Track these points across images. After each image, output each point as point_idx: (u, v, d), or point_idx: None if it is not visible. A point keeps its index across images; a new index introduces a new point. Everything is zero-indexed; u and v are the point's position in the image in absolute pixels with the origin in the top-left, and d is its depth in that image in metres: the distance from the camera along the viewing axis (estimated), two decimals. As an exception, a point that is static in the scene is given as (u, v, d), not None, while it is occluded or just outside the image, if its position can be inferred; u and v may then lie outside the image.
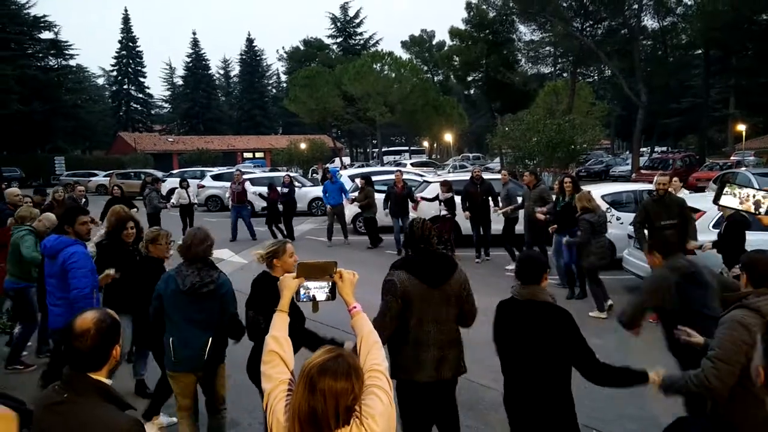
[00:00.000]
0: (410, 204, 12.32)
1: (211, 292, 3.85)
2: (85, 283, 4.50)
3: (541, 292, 3.17)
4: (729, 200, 1.77)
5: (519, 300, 3.19)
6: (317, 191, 18.33)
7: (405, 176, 13.61)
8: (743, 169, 20.98)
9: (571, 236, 8.14)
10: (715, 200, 1.96)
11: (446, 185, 11.60)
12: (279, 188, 14.47)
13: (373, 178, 14.44)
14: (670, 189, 7.54)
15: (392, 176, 13.77)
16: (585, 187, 8.97)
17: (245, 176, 20.49)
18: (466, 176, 12.49)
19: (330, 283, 2.34)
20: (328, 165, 31.40)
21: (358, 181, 15.04)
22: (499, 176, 11.92)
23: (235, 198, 14.59)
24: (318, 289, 2.34)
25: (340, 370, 1.78)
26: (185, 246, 3.97)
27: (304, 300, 2.36)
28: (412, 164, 36.35)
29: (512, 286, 3.32)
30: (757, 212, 1.84)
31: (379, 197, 13.09)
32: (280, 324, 2.30)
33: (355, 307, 2.31)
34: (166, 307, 3.97)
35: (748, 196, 1.83)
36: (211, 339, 3.91)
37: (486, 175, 12.12)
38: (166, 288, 3.94)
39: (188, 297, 3.84)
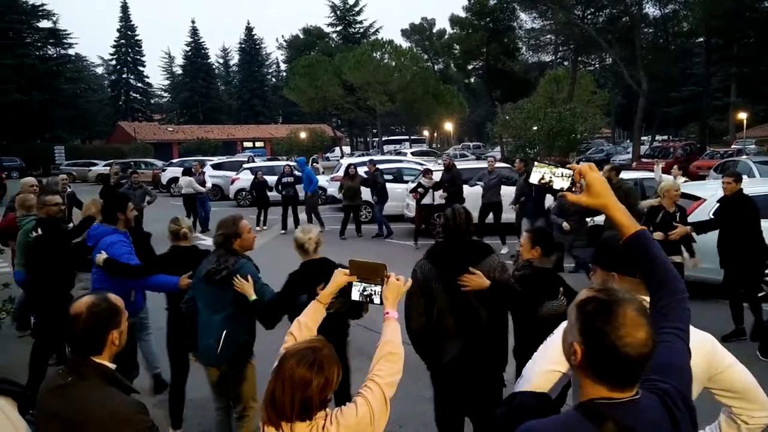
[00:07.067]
0: (412, 193, 12.43)
1: (224, 279, 3.66)
2: None
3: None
4: (537, 176, 1.59)
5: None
6: (320, 180, 18.28)
7: (406, 165, 13.71)
8: (744, 157, 20.85)
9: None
10: (526, 178, 1.81)
11: (429, 173, 11.98)
12: (283, 178, 14.22)
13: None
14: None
15: (392, 165, 14.37)
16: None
17: (245, 166, 20.51)
18: (470, 165, 12.70)
19: (379, 287, 2.24)
20: (328, 155, 31.27)
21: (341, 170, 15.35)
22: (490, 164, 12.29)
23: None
24: (365, 291, 2.25)
25: (305, 360, 1.75)
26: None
27: (354, 299, 2.28)
28: (412, 153, 36.27)
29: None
30: (568, 188, 1.64)
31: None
32: (311, 312, 2.31)
33: (388, 313, 2.22)
34: (195, 295, 3.89)
35: (560, 174, 1.63)
36: (225, 332, 3.69)
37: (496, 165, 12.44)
38: (199, 274, 3.85)
39: (206, 284, 3.74)
